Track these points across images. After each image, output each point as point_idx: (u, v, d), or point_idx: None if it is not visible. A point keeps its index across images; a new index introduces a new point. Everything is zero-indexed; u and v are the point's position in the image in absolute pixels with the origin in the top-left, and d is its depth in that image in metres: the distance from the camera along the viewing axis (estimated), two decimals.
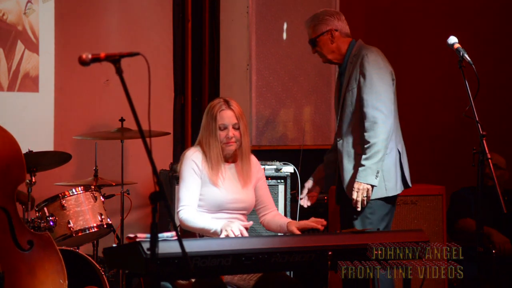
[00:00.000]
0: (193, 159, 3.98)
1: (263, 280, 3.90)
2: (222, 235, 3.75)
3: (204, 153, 3.99)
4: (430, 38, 6.62)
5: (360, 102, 4.36)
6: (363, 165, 4.29)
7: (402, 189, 4.48)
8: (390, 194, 4.41)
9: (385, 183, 4.38)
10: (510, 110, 6.80)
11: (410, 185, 4.52)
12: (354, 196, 4.29)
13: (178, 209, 3.92)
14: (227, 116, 3.99)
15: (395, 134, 4.44)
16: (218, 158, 3.98)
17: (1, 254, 3.42)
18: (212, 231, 3.83)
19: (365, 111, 4.32)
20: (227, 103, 4.01)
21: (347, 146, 4.43)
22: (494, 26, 6.83)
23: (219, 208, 3.96)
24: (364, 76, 4.34)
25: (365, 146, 4.31)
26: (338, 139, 4.46)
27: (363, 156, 4.30)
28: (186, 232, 4.01)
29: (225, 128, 3.99)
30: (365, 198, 4.29)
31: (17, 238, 3.50)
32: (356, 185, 4.29)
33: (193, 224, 3.88)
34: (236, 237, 3.71)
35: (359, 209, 4.28)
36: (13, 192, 3.64)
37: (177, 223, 3.90)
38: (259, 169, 4.18)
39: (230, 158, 4.08)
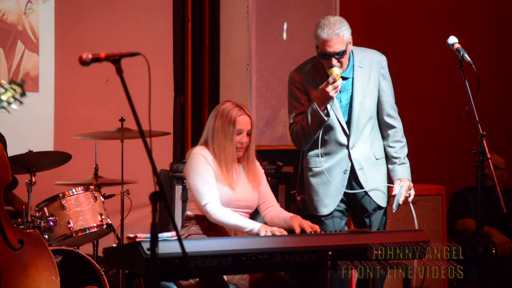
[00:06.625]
0: (203, 154, 4.00)
1: (263, 281, 3.90)
2: (262, 234, 3.76)
3: (214, 153, 4.01)
4: (430, 38, 6.61)
5: (382, 106, 4.30)
6: (404, 163, 4.29)
7: None
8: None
9: None
10: (510, 110, 6.80)
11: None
12: (403, 191, 4.20)
13: (205, 202, 3.90)
14: (245, 122, 4.01)
15: None
16: (232, 161, 4.01)
17: None
18: (247, 229, 3.85)
19: (393, 115, 4.31)
20: (242, 108, 4.03)
21: (366, 152, 4.25)
22: (494, 26, 6.83)
23: (227, 205, 3.97)
24: (386, 79, 4.31)
25: (400, 146, 4.30)
26: (350, 147, 4.22)
27: (402, 155, 4.29)
28: (213, 225, 4.00)
29: (240, 133, 4.01)
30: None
31: (7, 237, 3.47)
32: (406, 183, 4.22)
33: (225, 220, 3.88)
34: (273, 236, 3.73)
35: (396, 206, 4.21)
36: (0, 193, 3.61)
37: (209, 216, 3.91)
38: (261, 171, 4.22)
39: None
